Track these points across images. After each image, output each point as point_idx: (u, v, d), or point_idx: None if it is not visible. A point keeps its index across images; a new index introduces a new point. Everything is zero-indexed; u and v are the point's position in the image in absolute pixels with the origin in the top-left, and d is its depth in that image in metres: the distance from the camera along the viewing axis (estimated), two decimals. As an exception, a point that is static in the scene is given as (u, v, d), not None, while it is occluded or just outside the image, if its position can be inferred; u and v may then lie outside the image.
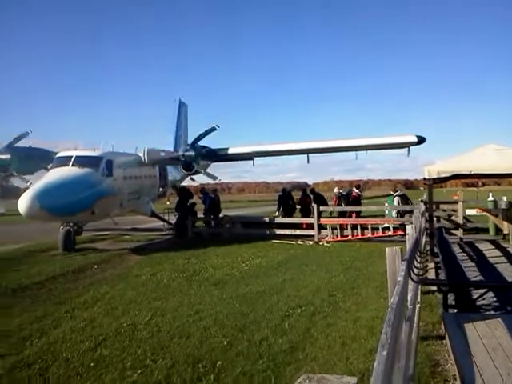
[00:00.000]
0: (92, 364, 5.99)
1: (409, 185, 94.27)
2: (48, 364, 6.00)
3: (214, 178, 21.13)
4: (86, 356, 6.29)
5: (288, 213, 21.50)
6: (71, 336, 7.13)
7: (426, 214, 13.86)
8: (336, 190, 23.53)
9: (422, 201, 19.12)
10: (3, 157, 20.18)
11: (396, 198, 21.15)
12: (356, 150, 21.19)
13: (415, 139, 19.52)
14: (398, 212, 19.87)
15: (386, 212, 21.99)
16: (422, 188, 27.07)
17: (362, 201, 23.16)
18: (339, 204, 22.23)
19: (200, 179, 23.96)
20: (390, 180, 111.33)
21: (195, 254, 15.14)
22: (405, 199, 21.34)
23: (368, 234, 17.56)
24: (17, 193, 17.69)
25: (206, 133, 19.76)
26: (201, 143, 20.25)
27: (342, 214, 20.40)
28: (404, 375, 3.83)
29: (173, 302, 9.09)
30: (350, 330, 7.01)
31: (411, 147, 20.07)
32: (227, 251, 15.59)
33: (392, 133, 20.67)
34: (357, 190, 22.45)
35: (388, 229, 17.78)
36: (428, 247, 12.26)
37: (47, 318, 8.16)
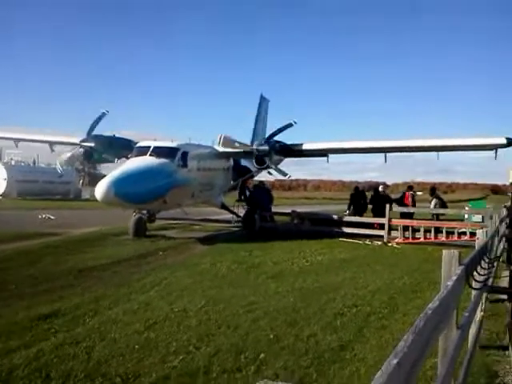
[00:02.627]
0: (137, 346, 6.04)
1: (496, 189, 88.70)
2: (95, 343, 6.12)
3: (285, 174, 20.85)
4: (132, 338, 6.37)
5: (359, 212, 20.85)
6: (123, 318, 7.26)
7: (507, 220, 12.89)
8: (381, 188, 22.41)
9: (505, 206, 17.82)
10: (87, 144, 21.00)
11: (434, 201, 20.02)
12: (437, 151, 20.17)
13: (504, 141, 18.24)
14: (434, 215, 19.26)
15: (466, 216, 20.81)
16: (510, 194, 25.35)
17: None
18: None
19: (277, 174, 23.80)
20: (476, 184, 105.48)
21: (258, 247, 15.06)
22: (442, 202, 20.41)
23: (442, 237, 16.63)
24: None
25: (282, 129, 19.54)
26: (276, 139, 20.10)
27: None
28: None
29: (227, 292, 9.05)
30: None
31: (500, 149, 18.81)
32: (291, 246, 15.37)
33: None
34: (411, 192, 21.34)
35: (465, 233, 16.72)
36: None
37: (105, 299, 8.38)
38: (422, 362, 2.50)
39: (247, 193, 23.18)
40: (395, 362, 1.85)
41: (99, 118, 20.44)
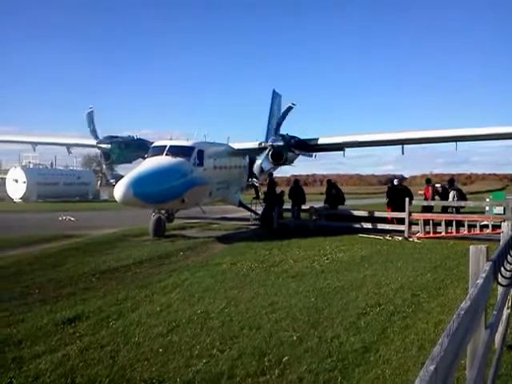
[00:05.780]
0: (161, 350, 6.06)
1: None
2: (120, 347, 6.15)
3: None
4: (156, 341, 6.38)
5: (334, 204, 20.98)
6: (146, 320, 7.29)
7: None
8: (396, 181, 22.12)
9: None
10: (104, 146, 21.16)
11: (452, 193, 19.64)
12: (456, 141, 19.87)
13: None
14: (454, 208, 19.04)
15: (487, 208, 20.48)
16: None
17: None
18: None
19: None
20: (495, 174, 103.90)
21: (278, 245, 15.03)
22: (462, 194, 19.93)
23: (464, 231, 16.40)
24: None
25: (284, 114, 19.30)
26: (290, 134, 19.96)
27: None
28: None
29: (249, 292, 9.03)
30: (430, 334, 6.51)
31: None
32: (310, 244, 15.32)
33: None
34: (430, 185, 21.01)
35: (487, 226, 16.46)
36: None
37: (127, 300, 8.43)
38: (457, 364, 2.44)
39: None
40: (432, 368, 1.80)
41: (90, 116, 20.66)
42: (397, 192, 19.81)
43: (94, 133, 20.89)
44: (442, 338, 2.23)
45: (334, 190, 21.70)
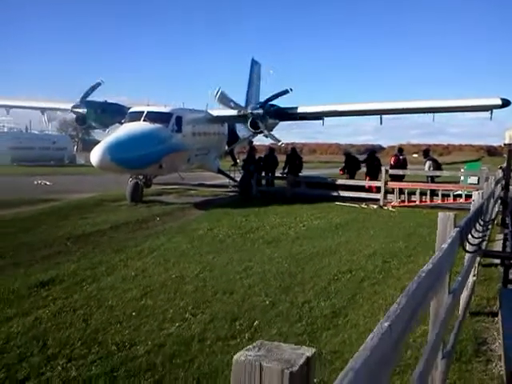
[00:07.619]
0: (134, 313, 6.11)
1: (492, 151, 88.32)
2: (93, 311, 6.19)
3: (278, 140, 20.70)
4: (129, 305, 6.44)
5: (294, 173, 21.37)
6: (120, 284, 7.33)
7: (503, 182, 12.89)
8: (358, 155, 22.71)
9: (500, 167, 17.78)
10: (80, 110, 20.76)
11: (428, 163, 19.95)
12: (433, 112, 19.99)
13: (499, 102, 18.02)
14: (429, 177, 19.53)
15: (462, 178, 20.83)
16: (505, 155, 25.12)
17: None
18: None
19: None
20: (471, 145, 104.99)
21: (255, 211, 15.10)
22: (437, 164, 20.32)
23: (438, 200, 16.70)
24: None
25: (278, 95, 19.27)
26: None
27: None
28: (438, 350, 3.56)
29: (224, 257, 9.11)
30: (397, 299, 6.67)
31: (495, 110, 18.66)
32: (287, 211, 15.43)
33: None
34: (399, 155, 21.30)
35: (460, 196, 16.79)
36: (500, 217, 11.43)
37: (102, 265, 8.44)
38: (413, 325, 2.51)
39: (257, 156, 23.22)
40: (387, 324, 1.86)
41: (94, 87, 20.25)
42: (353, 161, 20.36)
43: (83, 98, 20.52)
44: (400, 297, 2.28)
45: (297, 160, 22.26)
